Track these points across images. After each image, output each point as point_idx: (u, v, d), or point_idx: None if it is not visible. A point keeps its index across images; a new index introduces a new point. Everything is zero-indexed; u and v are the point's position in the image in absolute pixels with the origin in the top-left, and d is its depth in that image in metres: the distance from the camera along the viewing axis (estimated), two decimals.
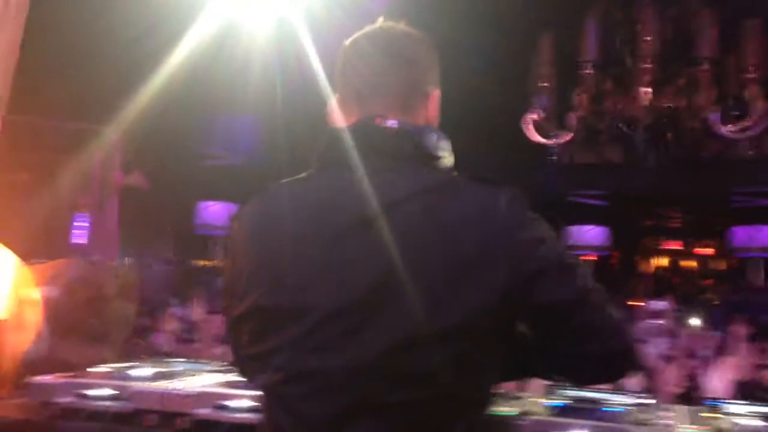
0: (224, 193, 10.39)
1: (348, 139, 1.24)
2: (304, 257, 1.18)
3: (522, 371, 1.30)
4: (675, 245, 18.94)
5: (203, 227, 10.65)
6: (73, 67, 5.33)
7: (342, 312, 1.13)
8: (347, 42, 1.37)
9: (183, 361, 2.99)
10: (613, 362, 1.20)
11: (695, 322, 6.17)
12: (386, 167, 1.20)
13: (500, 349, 1.16)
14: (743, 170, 9.37)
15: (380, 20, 1.38)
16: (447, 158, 1.29)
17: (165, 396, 2.36)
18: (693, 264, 18.57)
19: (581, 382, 1.54)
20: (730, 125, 4.80)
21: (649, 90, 4.73)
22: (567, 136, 5.19)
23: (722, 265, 17.04)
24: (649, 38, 4.67)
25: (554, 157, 5.71)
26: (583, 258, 12.51)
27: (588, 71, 4.81)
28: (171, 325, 5.65)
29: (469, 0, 5.27)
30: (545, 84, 4.98)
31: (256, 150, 7.86)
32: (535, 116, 5.16)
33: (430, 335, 1.09)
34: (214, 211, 10.69)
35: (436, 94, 1.37)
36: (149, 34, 5.05)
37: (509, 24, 5.73)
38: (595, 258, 12.71)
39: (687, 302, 10.64)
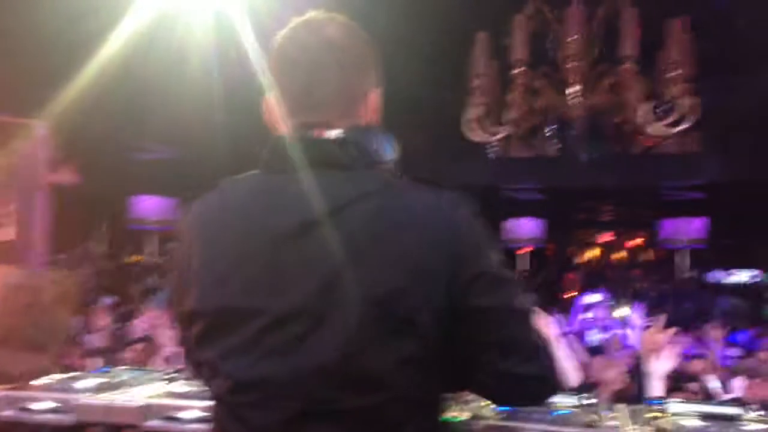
0: (159, 187, 10.17)
1: (290, 148, 1.22)
2: (250, 259, 1.16)
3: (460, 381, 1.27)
4: (607, 237, 19.53)
5: (137, 221, 10.38)
6: None
7: (289, 317, 1.11)
8: (278, 37, 1.29)
9: (127, 369, 2.90)
10: (529, 383, 1.18)
11: (626, 312, 6.37)
12: (330, 174, 1.17)
13: (447, 352, 1.15)
14: (671, 165, 9.73)
15: (313, 12, 1.30)
16: (390, 159, 1.26)
17: (111, 408, 2.27)
18: (623, 255, 19.19)
19: (498, 400, 1.51)
20: (657, 122, 4.96)
21: (578, 88, 4.85)
22: (503, 133, 5.27)
23: (650, 256, 17.68)
24: (576, 37, 4.77)
25: (491, 154, 5.80)
26: (519, 251, 12.78)
27: (520, 69, 4.88)
28: (104, 322, 5.53)
29: None
30: (481, 81, 5.03)
31: (192, 143, 7.71)
32: (472, 113, 5.22)
33: (376, 338, 1.09)
34: (148, 205, 10.43)
35: (376, 93, 1.32)
36: (80, 23, 4.88)
37: (447, 21, 5.78)
38: (531, 249, 13.02)
39: (619, 293, 11.01)
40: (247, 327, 1.14)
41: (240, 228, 1.20)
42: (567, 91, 4.91)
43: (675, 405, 2.31)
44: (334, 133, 1.21)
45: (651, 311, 6.35)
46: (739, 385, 4.48)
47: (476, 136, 5.30)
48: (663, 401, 2.32)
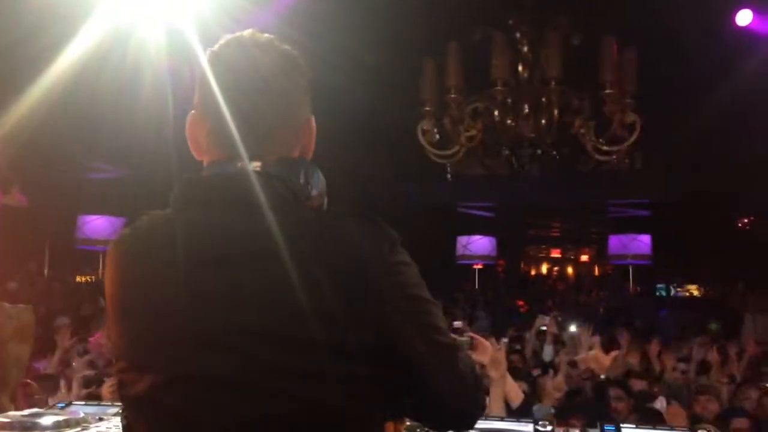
0: (108, 207, 9.98)
1: (207, 187, 1.16)
2: (165, 313, 1.12)
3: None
4: (555, 253, 19.91)
5: (85, 242, 10.19)
6: None
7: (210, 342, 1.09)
8: (208, 54, 1.20)
9: (83, 405, 2.81)
10: (455, 409, 1.17)
11: (575, 328, 6.47)
12: (248, 212, 1.11)
13: (372, 385, 1.11)
14: (617, 183, 10.01)
15: (249, 31, 1.22)
16: (317, 194, 1.19)
17: None
18: (572, 270, 19.59)
19: (427, 424, 1.51)
20: (602, 143, 5.14)
21: (528, 110, 5.00)
22: (457, 151, 5.36)
23: (596, 272, 18.08)
24: (539, 60, 4.93)
25: (448, 172, 5.88)
26: (474, 266, 12.92)
27: (454, 96, 5.01)
28: (67, 344, 5.39)
29: (367, 15, 5.36)
30: (440, 97, 5.12)
31: (142, 163, 7.59)
32: (427, 127, 5.29)
33: (296, 380, 1.07)
34: (97, 225, 10.24)
35: (310, 121, 1.25)
36: (30, 40, 4.78)
37: (404, 39, 5.86)
38: (481, 266, 13.17)
39: (567, 308, 11.22)
40: (167, 356, 1.11)
41: (150, 273, 1.15)
42: (523, 111, 5.04)
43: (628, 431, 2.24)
44: (258, 167, 1.15)
45: (600, 328, 6.47)
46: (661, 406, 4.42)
47: (432, 152, 5.38)
48: (616, 427, 2.27)
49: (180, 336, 1.11)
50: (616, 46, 4.83)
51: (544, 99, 4.96)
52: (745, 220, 12.12)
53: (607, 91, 4.82)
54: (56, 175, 7.75)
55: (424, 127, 5.23)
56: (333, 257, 1.09)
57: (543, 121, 5.06)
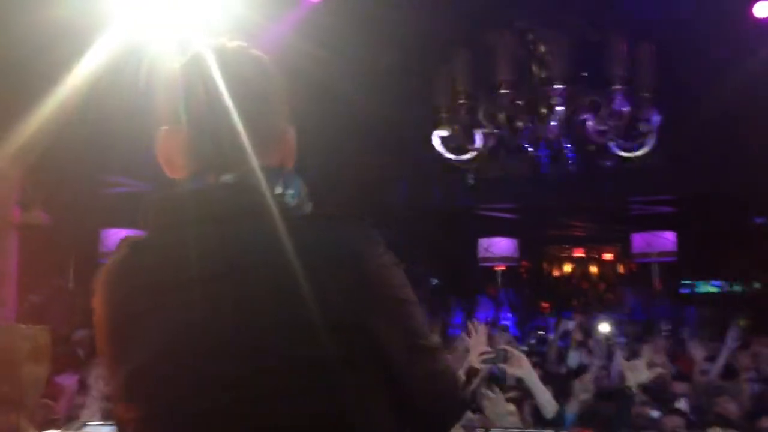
0: (129, 221, 10.05)
1: (182, 205, 1.14)
2: (154, 318, 1.10)
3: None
4: (578, 252, 19.71)
5: (109, 256, 10.28)
6: None
7: (200, 370, 1.06)
8: (181, 65, 1.18)
9: (99, 425, 2.80)
10: (428, 415, 1.16)
11: (605, 329, 6.37)
12: (226, 224, 1.09)
13: (360, 391, 1.09)
14: (639, 180, 9.87)
15: (220, 39, 1.20)
16: (297, 203, 1.16)
17: None
18: (595, 270, 19.37)
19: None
20: (622, 140, 5.05)
21: (551, 110, 4.93)
22: (476, 153, 5.31)
23: (621, 270, 17.86)
24: (553, 60, 4.86)
25: (470, 175, 5.84)
26: (495, 268, 12.82)
27: (500, 91, 4.94)
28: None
29: (379, 18, 5.33)
30: (455, 101, 5.07)
31: (161, 176, 7.61)
32: (444, 133, 5.25)
33: (288, 392, 1.05)
34: (119, 239, 10.33)
35: (289, 132, 1.22)
36: (44, 54, 4.80)
37: (419, 42, 5.82)
38: (504, 268, 13.07)
39: (593, 308, 11.08)
40: (158, 382, 1.09)
41: (143, 287, 1.12)
42: (542, 111, 4.98)
43: None
44: (232, 179, 1.12)
45: (626, 329, 6.37)
46: None
47: (447, 155, 5.34)
48: None
49: (184, 363, 1.07)
50: (634, 41, 4.76)
51: (559, 98, 4.90)
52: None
53: (617, 86, 4.75)
54: (75, 190, 7.81)
55: (441, 134, 5.20)
56: (319, 262, 1.06)
57: (560, 121, 5.00)
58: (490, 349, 3.30)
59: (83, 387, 4.90)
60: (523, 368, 3.29)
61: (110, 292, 1.17)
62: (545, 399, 3.37)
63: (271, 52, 1.27)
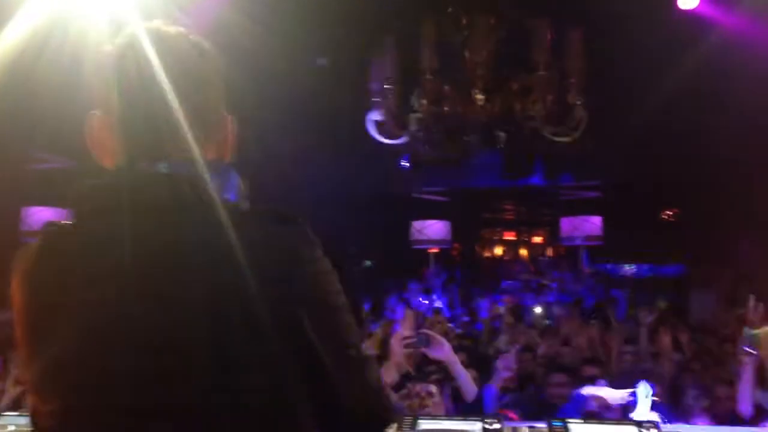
0: (53, 199, 9.71)
1: (112, 192, 1.09)
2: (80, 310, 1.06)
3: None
4: (509, 236, 20.13)
5: (30, 234, 9.92)
6: None
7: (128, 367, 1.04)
8: (114, 46, 1.13)
9: (16, 415, 2.70)
10: (352, 424, 1.14)
11: (538, 311, 6.51)
12: (161, 215, 1.06)
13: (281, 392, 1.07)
14: (567, 166, 10.13)
15: (156, 22, 1.15)
16: (232, 197, 1.12)
17: None
18: (525, 252, 19.85)
19: None
20: (554, 125, 5.17)
21: (481, 95, 5.00)
22: (407, 137, 5.34)
23: (550, 253, 18.37)
24: (481, 45, 4.92)
25: (404, 159, 5.87)
26: (429, 250, 12.97)
27: (427, 76, 4.97)
28: None
29: (312, 1, 5.29)
30: (387, 86, 5.08)
31: (85, 153, 7.37)
32: (377, 117, 5.26)
33: (214, 387, 1.04)
34: (43, 217, 9.97)
35: (227, 120, 1.19)
36: None
37: (352, 24, 5.79)
38: (437, 251, 13.25)
39: (524, 290, 11.38)
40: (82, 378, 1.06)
41: (62, 290, 1.08)
42: (474, 95, 5.03)
43: (576, 426, 2.26)
44: (167, 168, 1.08)
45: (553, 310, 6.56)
46: None
47: (381, 138, 5.35)
48: (564, 423, 2.28)
49: (99, 355, 1.04)
50: (562, 28, 4.86)
51: (489, 83, 4.97)
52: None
53: (540, 72, 4.85)
54: None
55: (373, 118, 5.21)
56: (252, 260, 1.03)
57: (491, 106, 5.06)
58: (412, 334, 3.38)
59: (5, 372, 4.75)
60: (444, 351, 3.37)
61: (30, 277, 1.11)
62: (466, 381, 3.46)
63: (203, 27, 1.22)
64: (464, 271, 14.17)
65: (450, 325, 7.57)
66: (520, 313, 7.96)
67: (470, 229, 16.68)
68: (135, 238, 1.05)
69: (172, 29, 1.15)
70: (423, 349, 3.48)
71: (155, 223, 1.06)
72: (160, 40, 1.12)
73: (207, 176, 1.09)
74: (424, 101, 5.01)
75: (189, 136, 1.11)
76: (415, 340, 3.36)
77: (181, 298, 1.04)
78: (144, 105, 1.10)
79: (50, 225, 1.14)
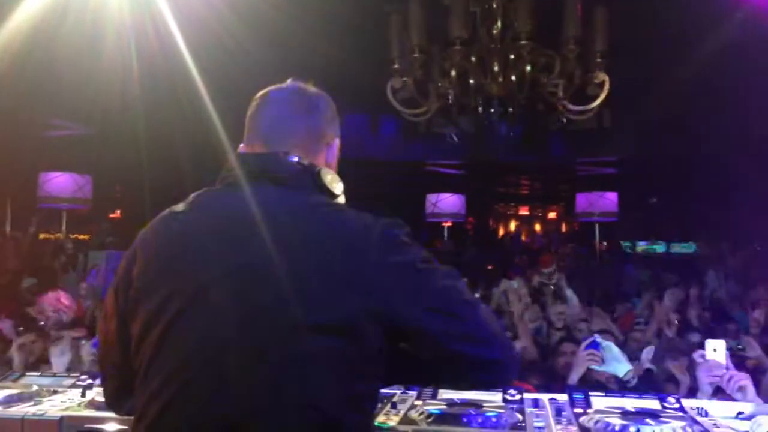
0: (71, 165, 9.77)
1: (252, 165, 1.38)
2: (204, 268, 1.28)
3: (401, 378, 1.47)
4: (524, 210, 20.08)
5: (47, 199, 9.99)
6: None
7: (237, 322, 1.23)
8: (258, 94, 1.50)
9: (38, 376, 2.74)
10: (484, 366, 1.28)
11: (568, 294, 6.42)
12: (284, 191, 1.35)
13: (376, 366, 1.26)
14: (585, 142, 10.08)
15: (289, 80, 1.53)
16: (339, 195, 1.43)
17: (26, 423, 2.16)
18: (538, 227, 19.82)
19: (452, 384, 1.74)
20: (572, 99, 5.11)
21: (506, 69, 4.94)
22: (427, 108, 5.30)
23: (564, 229, 18.31)
24: (507, 18, 4.85)
25: (452, 132, 5.82)
26: (443, 224, 12.99)
27: (452, 47, 4.91)
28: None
29: None
30: (410, 54, 5.02)
31: (106, 120, 7.40)
32: (397, 85, 5.20)
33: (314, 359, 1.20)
34: (59, 183, 10.02)
35: (335, 143, 1.53)
36: None
37: None
38: (450, 224, 13.26)
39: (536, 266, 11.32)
40: (190, 332, 1.26)
41: (198, 244, 1.32)
42: (495, 68, 4.98)
43: (597, 399, 2.29)
44: (293, 157, 1.40)
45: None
46: None
47: (400, 108, 5.30)
48: (585, 394, 2.29)
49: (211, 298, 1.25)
50: (590, 4, 4.79)
51: (512, 56, 4.90)
52: None
53: (570, 46, 4.77)
54: (15, 132, 7.55)
55: (394, 86, 5.15)
56: (352, 237, 1.28)
57: (513, 79, 5.00)
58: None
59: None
60: None
61: (171, 234, 1.37)
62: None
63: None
64: (477, 246, 14.14)
65: None
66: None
67: (485, 204, 16.65)
68: (262, 203, 1.32)
69: (299, 82, 1.53)
70: None
71: (280, 193, 1.34)
72: (290, 86, 1.53)
73: (323, 174, 1.41)
74: (454, 72, 4.94)
75: (311, 149, 1.46)
76: None
77: (293, 279, 1.23)
78: (279, 125, 1.48)
79: (203, 192, 1.43)
